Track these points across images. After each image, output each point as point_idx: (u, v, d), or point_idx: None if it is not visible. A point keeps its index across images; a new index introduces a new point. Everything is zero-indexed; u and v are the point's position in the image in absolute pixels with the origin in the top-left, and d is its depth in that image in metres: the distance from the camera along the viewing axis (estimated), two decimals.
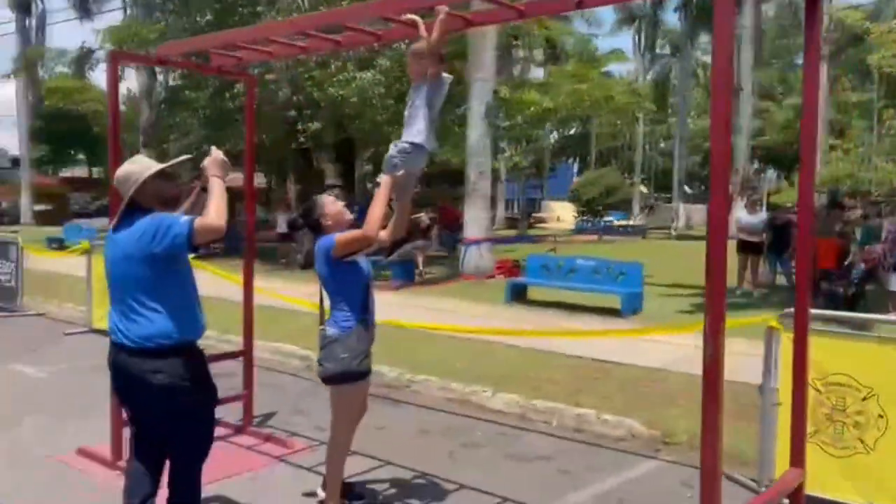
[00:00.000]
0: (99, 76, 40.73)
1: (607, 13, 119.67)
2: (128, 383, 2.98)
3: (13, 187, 36.43)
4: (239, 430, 5.10)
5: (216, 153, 3.09)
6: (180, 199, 3.16)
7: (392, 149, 3.48)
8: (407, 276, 13.50)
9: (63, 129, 37.65)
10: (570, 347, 7.76)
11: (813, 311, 3.37)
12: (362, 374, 3.55)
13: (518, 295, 11.15)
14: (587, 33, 38.23)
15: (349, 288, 3.52)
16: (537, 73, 36.38)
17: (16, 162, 40.54)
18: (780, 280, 12.48)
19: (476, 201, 13.57)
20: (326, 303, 3.64)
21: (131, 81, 27.76)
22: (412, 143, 3.43)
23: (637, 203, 42.48)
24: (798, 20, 41.36)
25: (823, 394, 3.99)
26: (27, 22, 30.64)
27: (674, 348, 7.63)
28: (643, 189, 52.46)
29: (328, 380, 3.53)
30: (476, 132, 13.41)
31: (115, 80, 4.07)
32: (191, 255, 3.04)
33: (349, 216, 3.65)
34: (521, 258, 15.00)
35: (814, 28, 2.74)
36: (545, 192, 50.61)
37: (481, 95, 13.29)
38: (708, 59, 50.14)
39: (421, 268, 14.00)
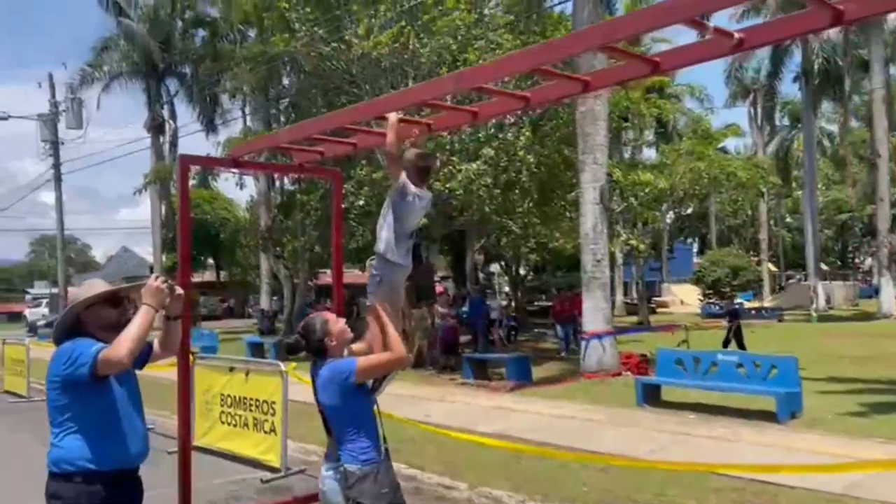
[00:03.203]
0: (223, 185, 43.36)
1: (717, 89, 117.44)
2: None
3: None
4: None
5: (153, 281, 2.97)
6: (124, 326, 2.92)
7: (370, 269, 3.43)
8: (523, 375, 12.52)
9: (192, 236, 40.00)
10: (715, 461, 6.56)
11: None
12: None
13: (650, 395, 9.91)
14: (700, 109, 36.99)
15: (363, 416, 3.21)
16: (648, 154, 35.42)
17: (153, 270, 43.34)
18: None
19: (594, 291, 12.55)
20: None
21: (252, 189, 29.08)
22: (379, 255, 3.35)
23: (767, 283, 39.60)
24: None
25: None
26: (160, 139, 33.06)
27: (854, 460, 6.24)
28: (771, 267, 49.18)
29: None
30: (590, 218, 12.56)
31: (185, 182, 3.71)
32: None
33: (350, 334, 3.35)
34: (649, 351, 13.71)
35: None
36: (665, 275, 48.30)
37: (594, 179, 12.51)
38: (832, 128, 47.61)
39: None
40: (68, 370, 2.86)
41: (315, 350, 3.25)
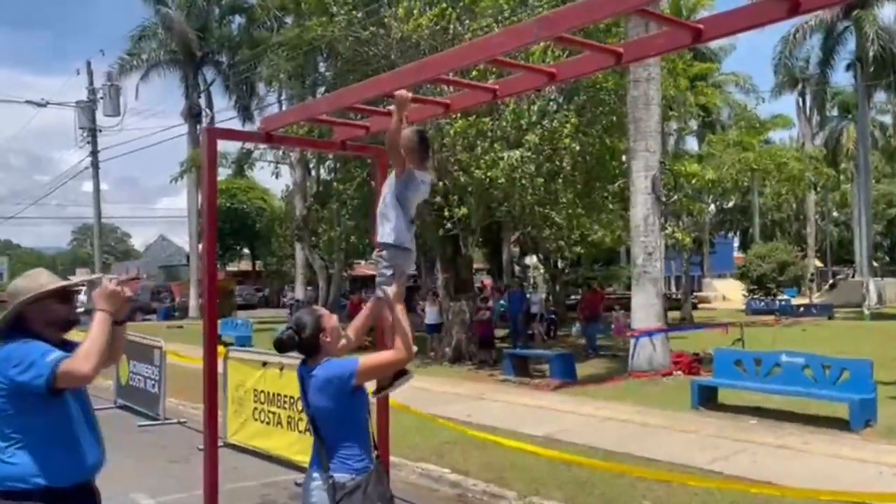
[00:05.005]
0: (259, 174, 43.29)
1: (764, 79, 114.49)
2: None
3: (188, 284, 38.82)
4: None
5: (107, 283, 2.69)
6: (74, 324, 2.80)
7: (380, 262, 3.20)
8: (567, 373, 11.96)
9: (228, 226, 40.02)
10: (786, 474, 5.98)
11: None
12: None
13: (706, 398, 9.29)
14: (745, 101, 35.74)
15: (359, 420, 2.98)
16: (691, 144, 34.33)
17: (189, 260, 43.41)
18: None
19: (645, 286, 11.89)
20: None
21: (288, 178, 28.87)
22: (393, 246, 3.16)
23: (815, 279, 38.26)
24: None
25: None
26: (197, 128, 32.99)
27: None
28: (817, 263, 47.63)
29: None
30: (641, 209, 11.90)
31: (212, 156, 3.24)
32: None
33: (342, 332, 3.13)
34: (701, 350, 13.05)
35: None
36: (705, 269, 47.08)
37: (646, 168, 11.83)
38: (885, 119, 45.73)
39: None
40: (20, 378, 2.55)
41: (308, 347, 2.97)
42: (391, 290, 3.13)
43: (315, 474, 2.94)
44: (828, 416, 8.26)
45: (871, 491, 5.35)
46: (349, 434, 2.94)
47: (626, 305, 20.16)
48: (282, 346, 2.99)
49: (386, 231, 3.18)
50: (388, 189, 3.23)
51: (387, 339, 3.24)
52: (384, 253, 3.18)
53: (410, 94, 3.24)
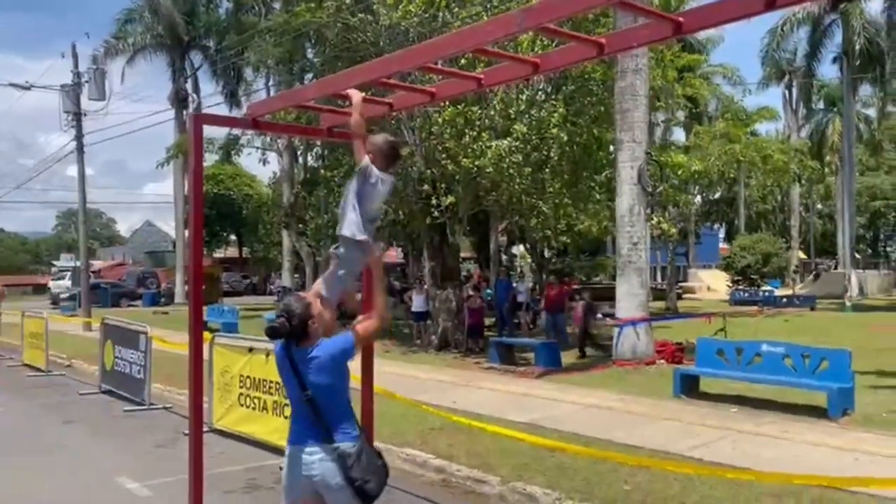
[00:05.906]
0: (246, 160, 43.01)
1: (750, 71, 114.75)
2: None
3: (174, 270, 38.70)
4: None
5: None
6: None
7: (333, 259, 3.44)
8: (552, 361, 12.06)
9: (215, 212, 39.87)
10: (765, 461, 6.11)
11: None
12: None
13: (688, 386, 9.41)
14: (731, 93, 35.91)
15: (347, 391, 3.21)
16: (678, 135, 34.48)
17: (175, 246, 43.19)
18: None
19: (630, 276, 11.99)
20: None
21: (275, 164, 28.79)
22: (346, 238, 3.35)
23: (799, 270, 38.62)
24: None
25: None
26: (184, 113, 32.75)
27: None
28: (801, 255, 48.09)
29: (379, 494, 3.13)
30: (627, 199, 11.97)
31: (198, 143, 3.26)
32: None
33: (327, 315, 3.30)
34: (684, 339, 13.18)
35: None
36: (691, 260, 47.39)
37: (632, 159, 11.90)
38: (870, 112, 46.09)
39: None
40: None
41: (298, 333, 3.13)
42: (329, 292, 3.41)
43: (313, 448, 3.09)
44: (807, 405, 8.39)
45: (845, 476, 5.47)
46: (346, 406, 3.19)
47: (590, 296, 20.22)
48: (275, 333, 3.12)
49: (343, 224, 3.36)
50: (350, 186, 3.39)
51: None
52: (340, 249, 3.38)
53: (363, 94, 3.45)
